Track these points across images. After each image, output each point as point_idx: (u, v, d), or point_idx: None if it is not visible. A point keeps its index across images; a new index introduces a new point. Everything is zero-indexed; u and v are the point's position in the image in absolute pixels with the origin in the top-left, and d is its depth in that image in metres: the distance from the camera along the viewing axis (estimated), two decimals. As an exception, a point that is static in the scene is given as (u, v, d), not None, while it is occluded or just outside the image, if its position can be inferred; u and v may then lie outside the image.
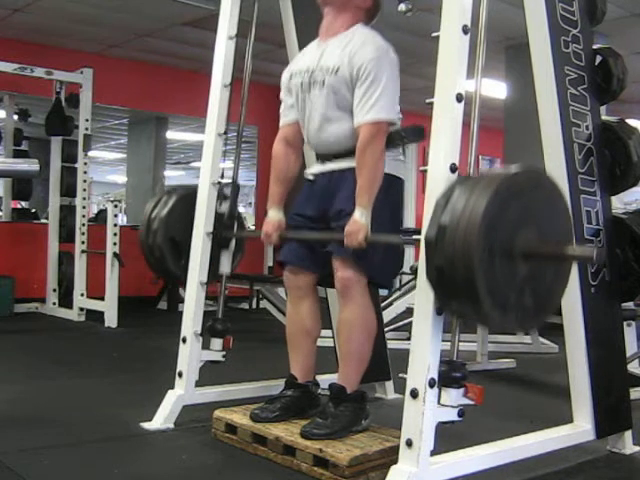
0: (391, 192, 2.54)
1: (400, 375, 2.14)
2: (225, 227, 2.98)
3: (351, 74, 2.47)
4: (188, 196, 3.05)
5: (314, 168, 2.72)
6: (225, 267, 3.02)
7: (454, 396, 2.09)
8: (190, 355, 2.91)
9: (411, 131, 2.56)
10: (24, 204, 8.60)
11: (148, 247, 3.05)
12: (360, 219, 2.39)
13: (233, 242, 3.02)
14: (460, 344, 2.16)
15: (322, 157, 2.67)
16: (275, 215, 2.72)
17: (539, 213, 2.02)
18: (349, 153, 2.52)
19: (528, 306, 2.00)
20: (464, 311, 2.00)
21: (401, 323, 5.24)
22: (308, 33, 3.14)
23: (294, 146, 2.75)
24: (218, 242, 2.98)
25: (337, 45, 2.55)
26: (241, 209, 15.15)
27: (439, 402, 2.07)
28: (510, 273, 1.93)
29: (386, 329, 4.05)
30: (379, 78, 2.44)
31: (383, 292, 3.64)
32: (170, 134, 10.18)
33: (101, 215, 8.28)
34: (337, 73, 2.50)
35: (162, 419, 2.86)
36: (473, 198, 1.88)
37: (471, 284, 1.85)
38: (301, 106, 2.65)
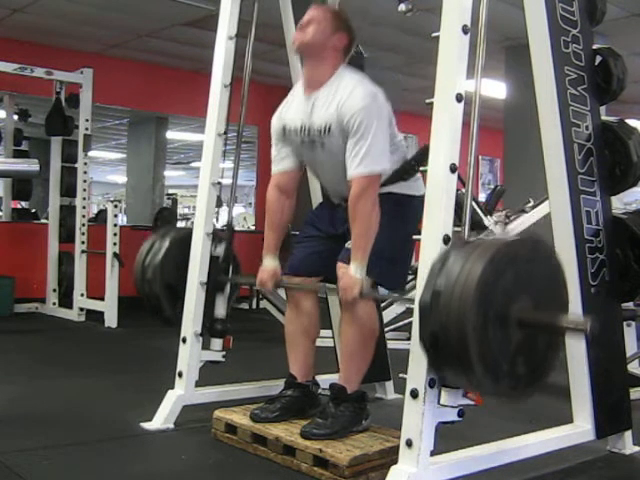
0: (407, 210, 2.55)
1: (400, 375, 2.14)
2: (220, 271, 2.97)
3: (342, 127, 2.46)
4: (180, 240, 3.02)
5: (336, 199, 2.72)
6: (220, 310, 3.00)
7: (454, 396, 2.09)
8: (190, 355, 2.91)
9: (420, 156, 2.55)
10: (24, 204, 8.59)
11: (145, 294, 3.03)
12: (355, 274, 2.40)
13: (228, 286, 3.01)
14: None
15: (344, 199, 2.64)
16: (270, 263, 2.72)
17: (535, 282, 2.00)
18: None
19: (521, 374, 1.99)
20: (456, 378, 2.00)
21: (401, 323, 5.23)
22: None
23: (287, 193, 2.74)
24: (213, 286, 2.95)
25: (325, 98, 2.52)
26: (241, 209, 15.18)
27: (439, 402, 2.07)
28: (503, 342, 1.92)
29: (386, 329, 4.05)
30: (368, 129, 2.41)
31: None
32: (170, 134, 10.18)
33: (101, 215, 8.27)
34: (330, 131, 2.49)
35: (162, 419, 2.86)
36: (468, 264, 1.88)
37: (464, 351, 1.85)
38: (310, 162, 2.69)
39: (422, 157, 2.51)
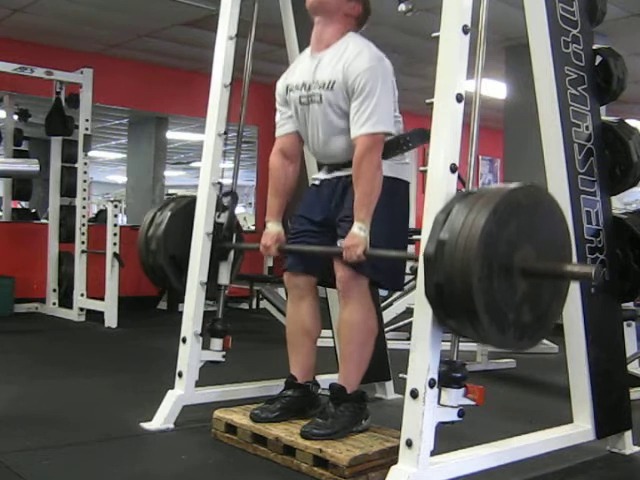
0: (395, 196, 2.54)
1: (400, 375, 2.14)
2: (224, 238, 2.97)
3: (347, 86, 2.47)
4: (182, 209, 3.03)
5: (320, 174, 2.72)
6: (224, 278, 3.01)
7: (454, 396, 2.09)
8: (190, 355, 2.91)
9: (415, 135, 2.55)
10: (24, 204, 8.59)
11: (149, 267, 3.03)
12: (359, 233, 2.40)
13: (232, 253, 3.02)
14: (460, 344, 2.16)
15: (329, 167, 2.67)
16: (274, 227, 2.72)
17: (538, 230, 2.01)
18: None
19: (526, 323, 2.00)
20: (462, 328, 2.00)
21: (401, 323, 5.24)
22: (308, 33, 3.14)
23: (291, 158, 2.74)
24: (217, 253, 2.96)
25: (331, 57, 2.54)
26: (241, 209, 15.16)
27: (439, 402, 2.07)
28: (508, 291, 1.93)
29: (386, 329, 4.05)
30: (374, 89, 2.43)
31: (383, 292, 3.64)
32: (170, 134, 10.17)
33: (101, 215, 8.29)
34: (333, 87, 2.50)
35: (162, 419, 2.86)
36: (472, 215, 1.89)
37: (469, 301, 1.85)
38: (302, 121, 2.65)
39: (416, 136, 2.54)
